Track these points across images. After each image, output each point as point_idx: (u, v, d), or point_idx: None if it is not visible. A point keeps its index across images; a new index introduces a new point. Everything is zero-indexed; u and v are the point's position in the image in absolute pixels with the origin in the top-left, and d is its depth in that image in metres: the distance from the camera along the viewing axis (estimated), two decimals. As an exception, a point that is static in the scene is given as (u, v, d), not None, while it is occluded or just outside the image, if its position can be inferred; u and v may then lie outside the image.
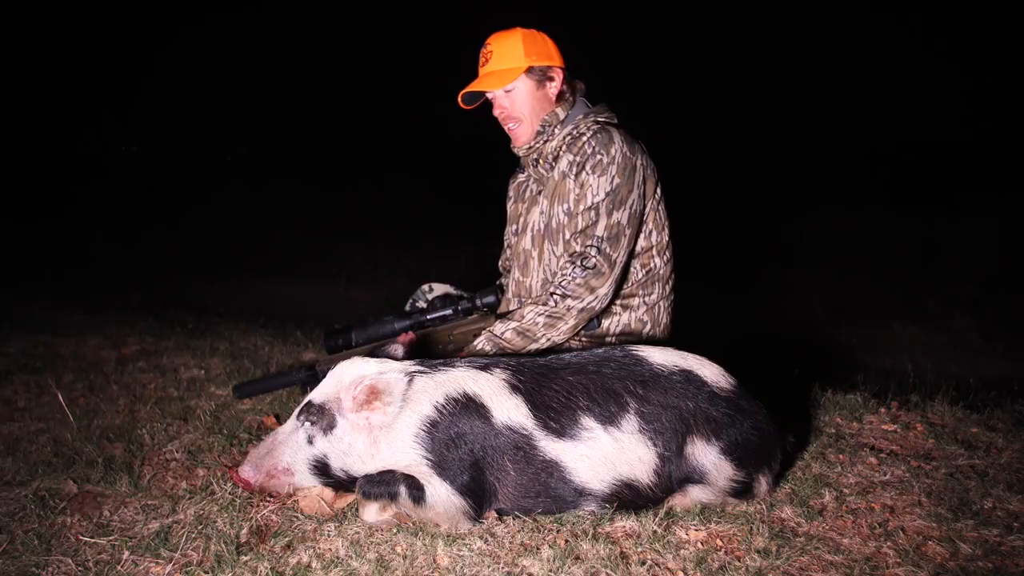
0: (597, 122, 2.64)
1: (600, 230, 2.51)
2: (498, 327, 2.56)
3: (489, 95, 2.71)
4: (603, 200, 2.51)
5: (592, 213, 2.52)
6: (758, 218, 10.39)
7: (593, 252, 2.50)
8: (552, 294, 2.52)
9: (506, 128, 2.74)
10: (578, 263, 2.51)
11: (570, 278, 2.50)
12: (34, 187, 13.28)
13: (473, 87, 2.68)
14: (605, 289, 2.51)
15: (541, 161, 2.71)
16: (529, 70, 2.63)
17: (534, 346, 2.54)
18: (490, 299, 2.72)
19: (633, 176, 2.55)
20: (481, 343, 2.56)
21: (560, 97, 2.70)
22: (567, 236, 2.60)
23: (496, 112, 2.72)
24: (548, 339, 2.54)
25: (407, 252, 9.38)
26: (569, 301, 2.50)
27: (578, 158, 2.57)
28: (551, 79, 2.68)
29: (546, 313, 2.51)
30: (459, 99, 2.73)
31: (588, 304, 2.51)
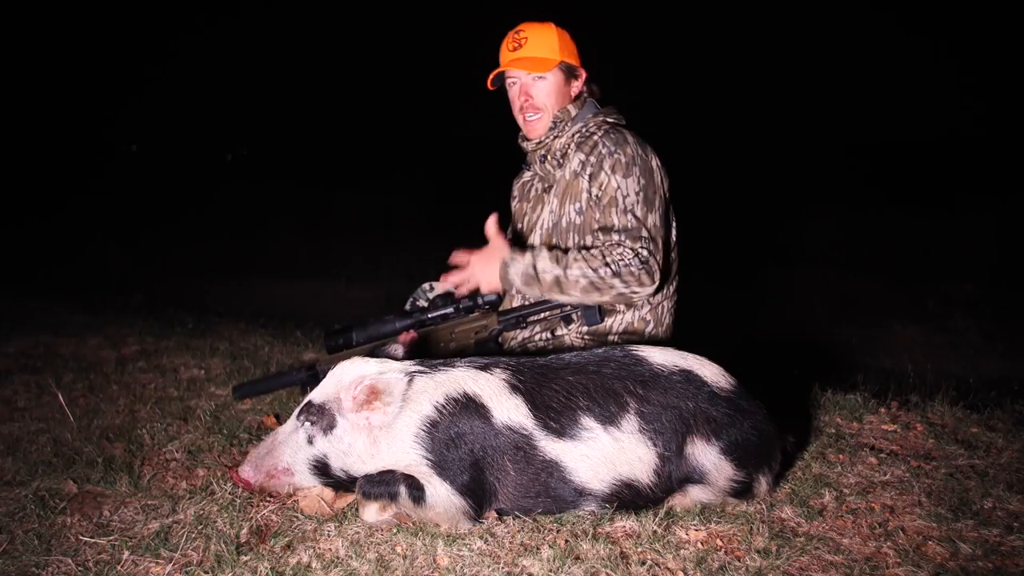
0: (607, 122, 2.65)
1: (644, 231, 2.47)
2: (541, 261, 2.45)
3: (512, 81, 2.70)
4: (632, 201, 2.49)
5: (629, 218, 2.48)
6: (758, 218, 10.40)
7: (645, 253, 2.44)
8: (607, 264, 2.42)
9: (522, 117, 2.73)
10: (636, 252, 2.43)
11: (627, 262, 2.41)
12: (34, 187, 13.29)
13: (509, 67, 2.65)
14: (650, 289, 2.45)
15: (549, 157, 2.71)
16: (561, 64, 2.65)
17: (562, 298, 2.48)
18: (491, 297, 2.72)
19: (653, 178, 2.56)
20: (516, 266, 2.46)
21: (576, 97, 2.72)
22: (576, 238, 2.60)
23: (519, 99, 2.70)
24: (574, 299, 2.47)
25: (407, 252, 9.39)
26: (617, 281, 2.41)
27: (592, 158, 2.56)
28: (576, 78, 2.71)
29: (591, 279, 2.42)
30: (489, 79, 2.72)
31: (630, 291, 2.44)
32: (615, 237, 2.48)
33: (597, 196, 2.55)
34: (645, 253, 2.45)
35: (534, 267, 2.47)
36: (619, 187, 2.51)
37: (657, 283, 2.47)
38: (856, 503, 2.15)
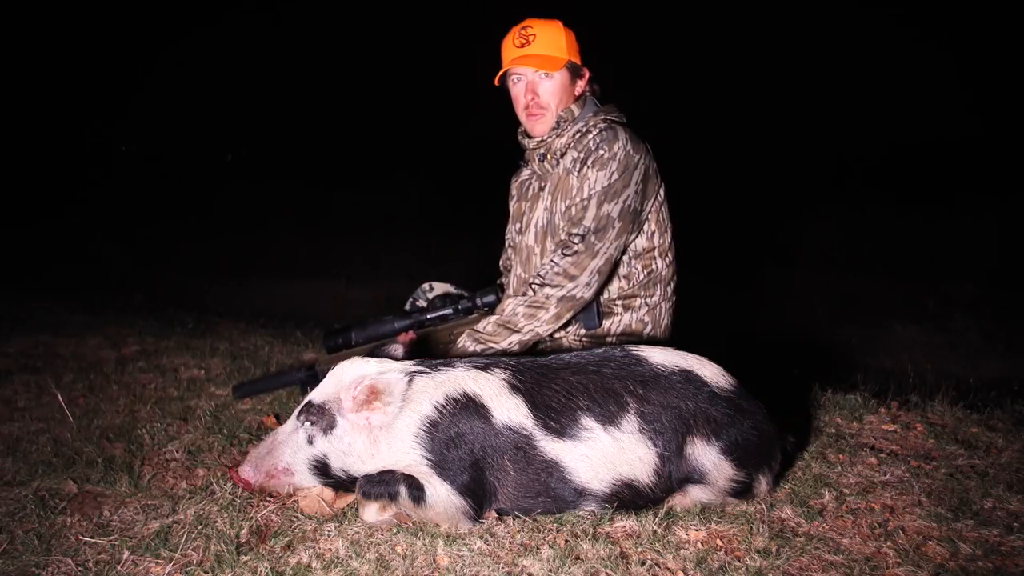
0: (605, 120, 2.64)
1: (588, 220, 2.51)
2: (480, 323, 2.56)
3: (518, 78, 2.68)
4: (597, 192, 2.51)
5: (583, 204, 2.52)
6: (758, 218, 10.39)
7: (576, 240, 2.50)
8: (531, 284, 2.52)
9: (527, 115, 2.70)
10: (559, 251, 2.51)
11: (549, 267, 2.50)
12: (34, 187, 13.29)
13: (521, 62, 2.62)
14: (585, 277, 2.49)
15: (548, 156, 2.71)
16: (568, 64, 2.64)
17: (516, 337, 2.52)
18: (490, 298, 2.72)
19: (632, 173, 2.54)
20: (463, 341, 2.55)
21: (579, 96, 2.72)
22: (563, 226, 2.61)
23: (526, 96, 2.67)
24: (531, 330, 2.52)
25: (407, 252, 9.39)
26: (547, 289, 2.49)
27: (582, 154, 2.57)
28: (581, 77, 2.71)
29: (526, 303, 2.50)
30: (497, 76, 2.71)
31: (568, 292, 2.49)
32: (561, 234, 2.54)
33: (577, 192, 2.56)
34: (576, 242, 2.49)
35: (475, 330, 2.56)
36: (590, 180, 2.52)
37: (589, 268, 2.49)
38: (856, 503, 2.15)
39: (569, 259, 2.48)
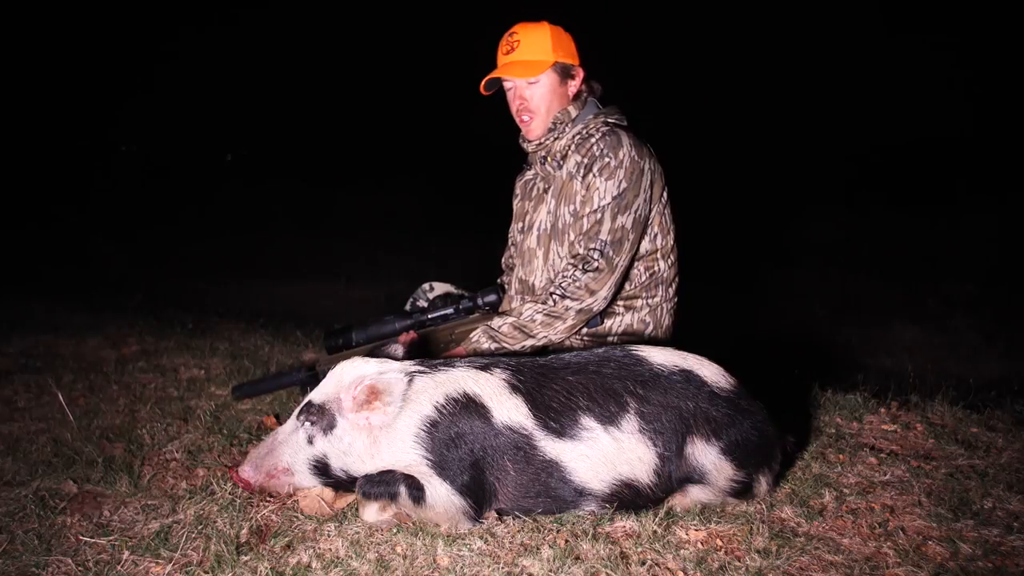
0: (607, 123, 2.63)
1: (604, 234, 2.51)
2: (496, 321, 2.56)
3: (508, 84, 2.68)
4: (609, 204, 2.51)
5: (597, 216, 2.52)
6: (759, 218, 10.40)
7: (596, 255, 2.50)
8: (552, 294, 2.52)
9: (519, 119, 2.71)
10: (580, 266, 2.51)
11: (571, 280, 2.50)
12: (34, 187, 13.29)
13: (500, 74, 2.64)
14: (605, 292, 2.52)
15: (549, 159, 2.71)
16: (555, 65, 2.62)
17: (530, 342, 2.54)
18: (491, 298, 2.72)
19: (640, 181, 2.54)
20: (478, 336, 2.56)
21: (576, 96, 2.70)
22: (572, 237, 2.60)
23: (514, 103, 2.68)
24: (545, 337, 2.54)
25: (407, 252, 9.39)
26: (568, 302, 2.50)
27: (586, 159, 2.56)
28: (572, 77, 2.68)
29: (545, 312, 2.52)
30: (481, 85, 2.70)
31: (586, 305, 2.51)
32: (577, 246, 2.55)
33: (583, 198, 2.56)
34: (596, 257, 2.50)
35: (490, 328, 2.56)
36: (599, 189, 2.52)
37: (609, 283, 2.51)
38: (856, 503, 2.15)
39: (591, 274, 2.49)
